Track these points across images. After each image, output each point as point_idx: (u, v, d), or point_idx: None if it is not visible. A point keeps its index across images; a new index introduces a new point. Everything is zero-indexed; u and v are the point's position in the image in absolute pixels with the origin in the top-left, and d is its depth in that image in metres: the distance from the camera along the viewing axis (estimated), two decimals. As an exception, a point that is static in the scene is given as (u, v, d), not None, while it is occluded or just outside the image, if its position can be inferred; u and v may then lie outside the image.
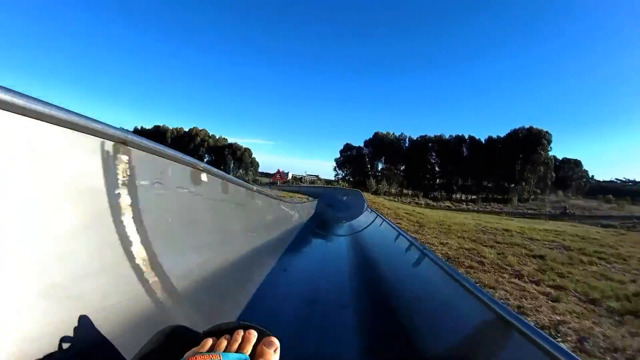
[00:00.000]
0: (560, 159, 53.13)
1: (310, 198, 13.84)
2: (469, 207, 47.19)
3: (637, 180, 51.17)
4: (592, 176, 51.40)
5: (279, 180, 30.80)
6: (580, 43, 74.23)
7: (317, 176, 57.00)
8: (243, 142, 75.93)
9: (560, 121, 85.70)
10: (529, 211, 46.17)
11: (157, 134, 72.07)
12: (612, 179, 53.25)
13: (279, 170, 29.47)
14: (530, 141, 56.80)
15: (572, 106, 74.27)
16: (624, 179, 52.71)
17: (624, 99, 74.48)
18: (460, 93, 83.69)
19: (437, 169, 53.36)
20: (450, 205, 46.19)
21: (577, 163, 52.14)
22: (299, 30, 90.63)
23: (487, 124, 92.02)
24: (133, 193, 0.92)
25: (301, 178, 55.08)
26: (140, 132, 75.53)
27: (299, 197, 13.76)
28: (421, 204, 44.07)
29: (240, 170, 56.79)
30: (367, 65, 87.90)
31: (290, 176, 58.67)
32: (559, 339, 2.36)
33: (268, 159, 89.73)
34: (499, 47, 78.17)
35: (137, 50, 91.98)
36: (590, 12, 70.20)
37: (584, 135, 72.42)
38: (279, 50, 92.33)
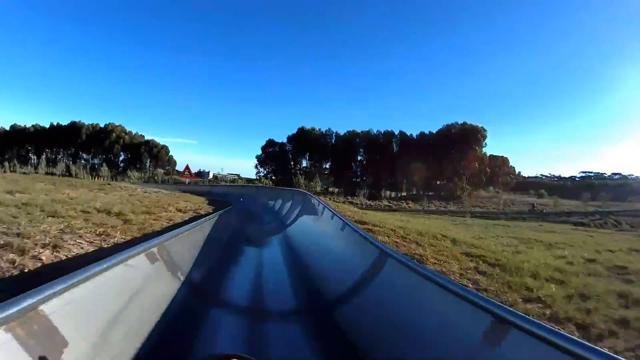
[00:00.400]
0: (488, 155, 52.21)
1: (210, 208, 8.13)
2: (409, 206, 44.57)
3: (562, 176, 51.43)
4: (519, 172, 50.87)
5: (187, 179, 25.93)
6: (503, 39, 74.35)
7: (238, 175, 52.77)
8: (165, 140, 69.75)
9: (485, 118, 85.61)
10: (475, 208, 44.26)
11: (72, 130, 65.21)
12: (537, 175, 53.36)
13: (187, 166, 24.48)
14: (465, 137, 55.56)
15: (497, 103, 73.85)
16: (548, 175, 52.91)
17: (544, 98, 75.38)
18: (390, 87, 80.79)
19: (358, 167, 50.68)
20: (390, 205, 43.33)
21: (504, 160, 51.38)
22: (215, 22, 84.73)
23: (418, 120, 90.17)
24: None
25: (217, 176, 50.60)
26: (55, 128, 68.10)
27: (179, 214, 7.10)
28: (360, 204, 40.84)
29: (157, 169, 51.48)
30: (290, 57, 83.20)
31: (211, 175, 54.08)
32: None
33: (191, 158, 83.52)
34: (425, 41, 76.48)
35: (51, 42, 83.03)
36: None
37: (508, 132, 72.30)
38: (198, 45, 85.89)
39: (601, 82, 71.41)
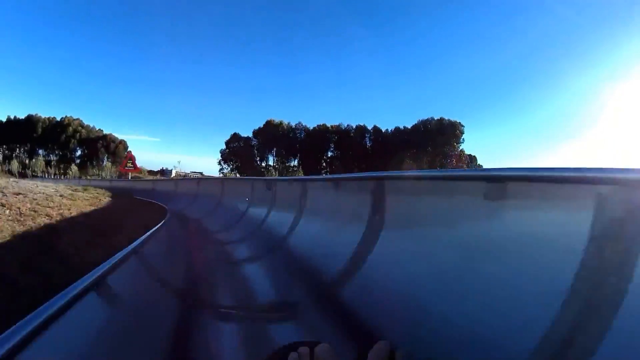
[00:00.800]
0: (465, 153, 51.02)
1: None
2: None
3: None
4: (491, 169, 49.56)
5: (131, 172, 21.28)
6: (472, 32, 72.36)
7: (201, 173, 49.83)
8: (127, 137, 65.66)
9: (448, 114, 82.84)
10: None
11: (29, 125, 61.25)
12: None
13: (129, 155, 20.12)
14: (442, 132, 54.15)
15: (458, 98, 71.50)
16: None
17: (508, 93, 73.49)
18: (362, 80, 77.01)
19: (328, 164, 48.43)
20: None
21: (472, 158, 50.46)
22: (175, 14, 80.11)
23: (392, 115, 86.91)
24: None
25: (180, 174, 47.61)
26: (13, 122, 63.90)
27: None
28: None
29: (106, 164, 48.08)
30: (257, 47, 78.79)
31: (174, 173, 50.98)
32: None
33: (154, 157, 78.31)
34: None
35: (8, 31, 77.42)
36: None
37: (470, 129, 69.82)
38: (161, 38, 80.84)
39: (563, 77, 70.75)
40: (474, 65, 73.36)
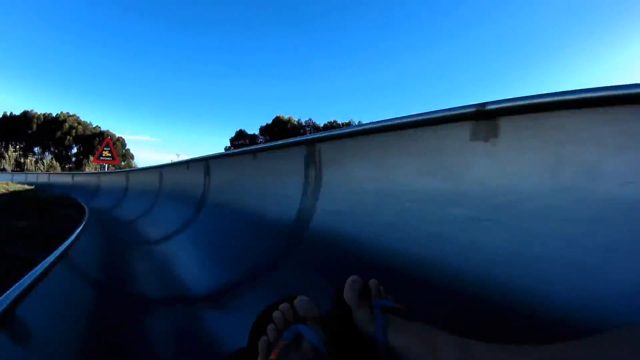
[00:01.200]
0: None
1: None
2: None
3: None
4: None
5: (107, 164, 16.18)
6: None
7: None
8: (127, 137, 61.83)
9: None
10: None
11: (24, 121, 58.85)
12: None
13: (106, 141, 15.07)
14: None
15: (473, 93, 67.43)
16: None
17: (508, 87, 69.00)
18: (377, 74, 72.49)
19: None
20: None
21: None
22: (180, 12, 76.65)
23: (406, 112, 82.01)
24: None
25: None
26: (8, 118, 61.71)
27: None
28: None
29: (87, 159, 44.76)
30: (268, 41, 74.92)
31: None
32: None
33: (155, 157, 73.92)
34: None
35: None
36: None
37: None
38: (161, 34, 77.31)
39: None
40: (489, 59, 69.80)
